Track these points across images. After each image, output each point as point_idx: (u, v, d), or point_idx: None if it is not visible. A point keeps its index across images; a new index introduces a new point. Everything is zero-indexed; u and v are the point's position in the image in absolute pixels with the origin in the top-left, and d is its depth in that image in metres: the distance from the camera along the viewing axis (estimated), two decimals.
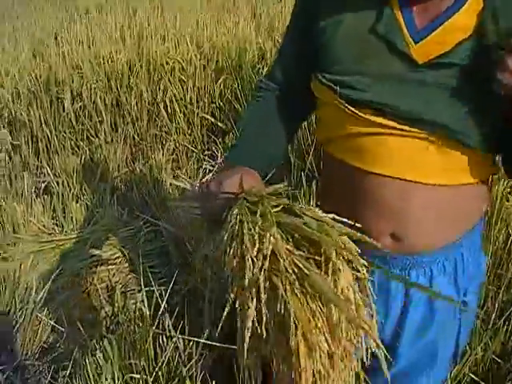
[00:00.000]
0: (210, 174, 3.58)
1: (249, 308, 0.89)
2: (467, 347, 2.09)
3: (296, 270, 0.88)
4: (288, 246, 0.91)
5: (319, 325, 0.88)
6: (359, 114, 1.18)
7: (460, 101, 1.14)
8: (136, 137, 4.04)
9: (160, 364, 1.99)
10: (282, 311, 0.87)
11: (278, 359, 0.94)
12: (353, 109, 1.18)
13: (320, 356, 0.88)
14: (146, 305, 2.11)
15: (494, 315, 2.28)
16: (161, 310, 2.06)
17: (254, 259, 0.89)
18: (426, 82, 1.14)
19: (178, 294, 2.64)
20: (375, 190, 1.20)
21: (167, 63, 4.34)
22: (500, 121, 1.19)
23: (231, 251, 0.93)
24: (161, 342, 2.03)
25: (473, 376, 2.09)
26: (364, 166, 1.19)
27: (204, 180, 1.14)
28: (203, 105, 4.11)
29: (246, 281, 0.88)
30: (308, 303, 0.88)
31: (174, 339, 2.02)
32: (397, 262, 1.24)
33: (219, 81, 4.15)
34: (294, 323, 0.87)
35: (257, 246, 0.89)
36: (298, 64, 1.34)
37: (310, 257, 0.91)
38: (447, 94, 1.14)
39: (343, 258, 0.91)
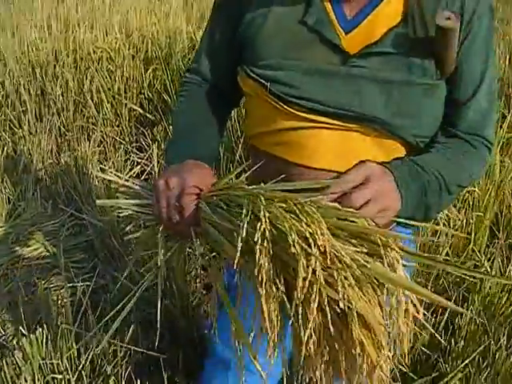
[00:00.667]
0: (138, 167, 3.52)
1: (309, 312, 0.89)
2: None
3: (354, 263, 0.89)
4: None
5: (376, 314, 0.91)
6: (290, 110, 1.15)
7: (394, 93, 1.13)
8: (62, 128, 3.91)
9: (83, 363, 1.93)
10: (343, 307, 0.88)
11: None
12: (284, 105, 1.15)
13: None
14: (68, 302, 2.05)
15: (422, 306, 2.30)
16: (83, 306, 1.99)
17: (312, 258, 0.87)
18: (359, 75, 1.13)
19: (104, 290, 2.57)
20: None
21: (94, 52, 4.23)
22: (437, 112, 1.19)
23: (263, 252, 0.90)
24: (84, 340, 1.97)
25: (402, 368, 2.10)
26: (295, 160, 1.17)
27: (159, 177, 1.10)
28: (131, 95, 4.02)
29: (300, 280, 0.87)
30: (364, 295, 0.90)
31: (98, 337, 1.96)
32: None
33: (148, 71, 4.07)
34: (357, 317, 0.90)
35: (312, 243, 0.87)
36: (224, 57, 1.31)
37: (358, 250, 0.92)
38: (380, 87, 1.13)
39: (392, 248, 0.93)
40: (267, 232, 0.90)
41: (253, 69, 1.18)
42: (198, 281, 2.53)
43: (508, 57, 4.68)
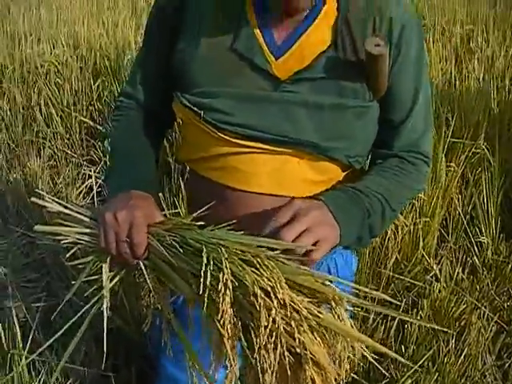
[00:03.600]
0: (91, 180, 3.47)
1: (269, 356, 0.95)
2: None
3: (309, 314, 0.96)
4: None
5: (326, 355, 0.98)
6: (225, 136, 1.15)
7: (325, 117, 1.14)
8: (11, 143, 3.85)
9: None
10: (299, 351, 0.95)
11: None
12: (218, 132, 1.16)
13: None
14: (16, 323, 2.00)
15: (372, 313, 2.33)
16: (33, 330, 1.96)
17: (273, 309, 0.93)
18: (290, 100, 1.13)
19: (57, 310, 2.53)
20: (244, 207, 1.18)
21: (42, 66, 4.18)
22: (370, 133, 1.21)
23: (225, 302, 0.96)
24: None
25: (354, 376, 2.12)
26: (232, 185, 1.18)
27: (106, 211, 1.09)
28: (81, 108, 3.98)
29: (262, 329, 0.93)
30: (316, 339, 0.96)
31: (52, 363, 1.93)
32: None
33: (97, 83, 4.03)
34: (312, 361, 0.96)
35: (273, 296, 0.93)
36: (157, 84, 1.30)
37: (311, 300, 0.98)
38: (312, 111, 1.14)
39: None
40: (229, 282, 0.95)
41: (186, 96, 1.18)
42: (152, 296, 2.51)
43: (454, 57, 4.75)
